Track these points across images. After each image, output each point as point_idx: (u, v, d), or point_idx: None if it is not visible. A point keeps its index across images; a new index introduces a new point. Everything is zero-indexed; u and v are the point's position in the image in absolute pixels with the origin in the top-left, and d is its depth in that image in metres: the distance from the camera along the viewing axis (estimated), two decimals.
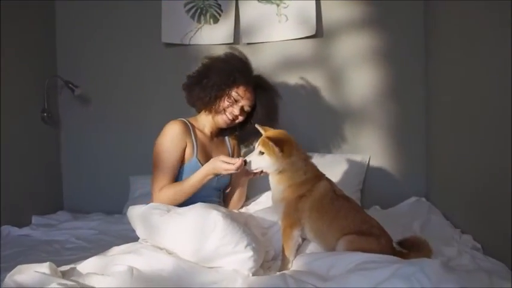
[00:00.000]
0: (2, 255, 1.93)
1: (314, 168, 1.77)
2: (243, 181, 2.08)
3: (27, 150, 2.66)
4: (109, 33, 2.95)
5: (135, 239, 1.78)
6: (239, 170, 1.77)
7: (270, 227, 1.78)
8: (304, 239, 1.72)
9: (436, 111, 2.51)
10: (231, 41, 2.78)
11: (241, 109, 2.07)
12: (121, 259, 1.49)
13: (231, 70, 2.02)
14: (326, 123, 2.76)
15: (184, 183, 1.90)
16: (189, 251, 1.54)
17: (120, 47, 2.94)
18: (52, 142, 2.95)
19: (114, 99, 2.96)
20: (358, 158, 2.68)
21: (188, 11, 2.82)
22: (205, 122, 2.12)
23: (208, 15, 2.82)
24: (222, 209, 1.63)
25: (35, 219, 2.56)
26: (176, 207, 1.81)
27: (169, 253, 1.55)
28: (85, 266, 1.50)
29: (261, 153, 1.70)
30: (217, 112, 2.06)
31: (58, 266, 1.48)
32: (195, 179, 1.88)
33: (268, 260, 1.70)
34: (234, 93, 2.03)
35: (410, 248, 1.62)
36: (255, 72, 2.16)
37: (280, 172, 1.70)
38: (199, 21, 2.82)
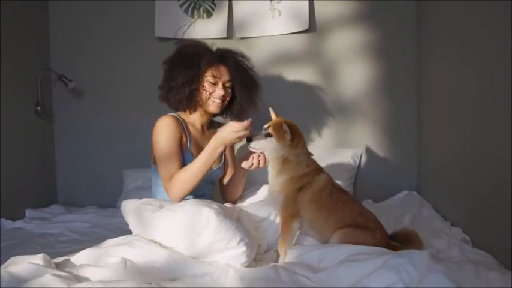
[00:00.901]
0: None
1: (315, 163, 1.78)
2: (243, 173, 2.06)
3: (20, 144, 2.66)
4: (103, 27, 2.94)
5: (129, 232, 1.78)
6: (249, 130, 1.73)
7: (262, 220, 1.78)
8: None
9: (427, 106, 2.54)
10: (224, 36, 2.78)
11: (224, 87, 2.04)
12: (114, 251, 1.50)
13: (191, 60, 1.99)
14: (319, 118, 2.78)
15: (195, 163, 1.86)
16: (182, 247, 1.55)
17: (114, 40, 2.94)
18: (45, 136, 2.94)
19: (108, 93, 2.96)
20: (350, 152, 2.70)
21: (182, 5, 2.82)
22: (195, 116, 2.10)
23: (201, 9, 2.82)
24: (214, 205, 1.62)
25: (28, 212, 2.56)
26: (169, 203, 1.81)
27: (163, 247, 1.56)
28: (79, 258, 1.51)
29: (269, 135, 1.69)
30: (204, 102, 2.03)
31: (52, 258, 1.48)
32: (205, 155, 1.84)
33: (261, 253, 1.72)
34: (208, 78, 2.00)
35: (402, 242, 1.64)
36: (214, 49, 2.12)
37: (282, 162, 1.70)
38: (192, 15, 2.82)
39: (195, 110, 2.08)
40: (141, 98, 2.89)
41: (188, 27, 2.82)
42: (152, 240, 1.59)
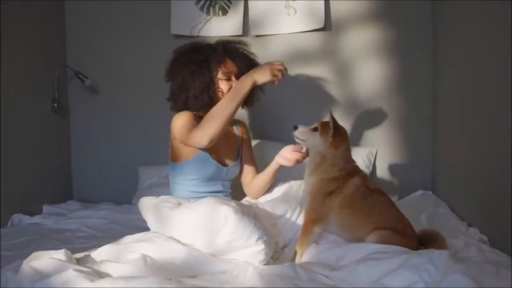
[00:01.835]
0: (14, 243, 1.96)
1: (350, 168, 1.76)
2: (278, 169, 1.99)
3: (37, 140, 2.69)
4: (119, 24, 2.95)
5: (145, 228, 1.80)
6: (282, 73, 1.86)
7: (279, 217, 1.79)
8: None
9: (443, 105, 2.52)
10: (240, 33, 2.78)
11: (237, 78, 1.98)
12: (134, 247, 1.52)
13: (200, 66, 1.97)
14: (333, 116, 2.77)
15: (223, 99, 1.84)
16: (200, 245, 1.56)
17: (129, 38, 2.95)
18: (62, 132, 2.97)
19: (124, 90, 2.97)
20: (366, 151, 2.69)
21: (197, 2, 2.83)
22: None
23: (217, 7, 2.82)
24: (232, 202, 1.62)
25: (45, 208, 2.58)
26: (186, 200, 1.81)
27: (182, 244, 1.57)
28: (99, 254, 1.53)
29: (316, 129, 1.75)
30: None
31: (72, 253, 1.50)
32: (233, 89, 1.84)
33: (278, 250, 1.72)
34: (220, 76, 1.98)
35: (425, 243, 1.62)
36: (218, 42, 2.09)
37: (320, 161, 1.72)
38: (208, 13, 2.83)
39: None
40: (157, 95, 2.88)
41: (204, 25, 2.83)
42: (170, 237, 1.60)
